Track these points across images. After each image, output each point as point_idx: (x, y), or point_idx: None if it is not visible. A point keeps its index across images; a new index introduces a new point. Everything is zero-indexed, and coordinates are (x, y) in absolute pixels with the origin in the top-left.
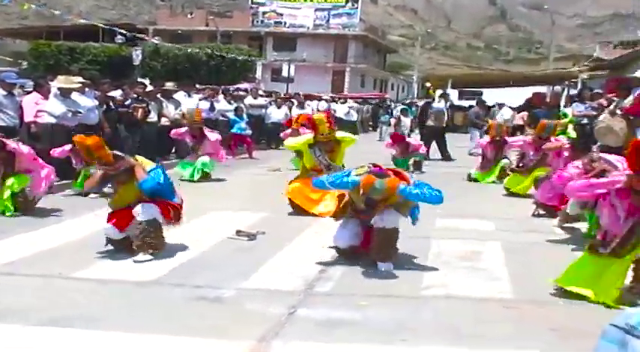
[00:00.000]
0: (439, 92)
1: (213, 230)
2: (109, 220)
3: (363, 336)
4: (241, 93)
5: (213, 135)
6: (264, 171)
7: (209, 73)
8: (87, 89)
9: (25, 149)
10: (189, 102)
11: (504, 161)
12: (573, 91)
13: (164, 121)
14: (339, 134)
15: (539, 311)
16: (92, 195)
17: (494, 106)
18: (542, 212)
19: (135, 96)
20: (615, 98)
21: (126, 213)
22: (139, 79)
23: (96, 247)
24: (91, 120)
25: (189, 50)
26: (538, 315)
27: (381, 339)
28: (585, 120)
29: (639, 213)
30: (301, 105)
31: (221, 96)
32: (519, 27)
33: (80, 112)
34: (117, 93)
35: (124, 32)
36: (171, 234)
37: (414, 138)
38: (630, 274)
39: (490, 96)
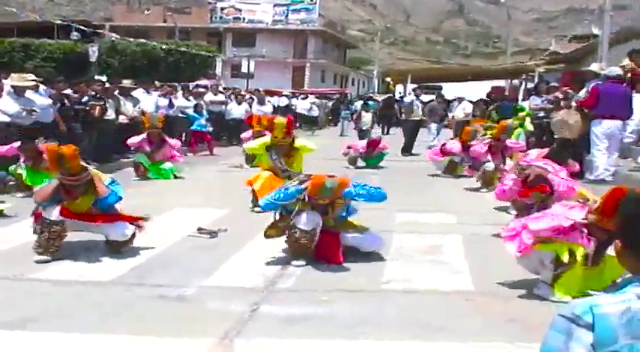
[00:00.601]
0: (399, 87)
1: (173, 228)
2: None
3: (326, 332)
4: (201, 89)
5: (173, 141)
6: (225, 167)
7: (168, 70)
8: (42, 87)
9: None
10: (148, 99)
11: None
12: (531, 85)
13: (122, 119)
14: (298, 142)
15: (499, 304)
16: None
17: (454, 100)
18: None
19: (92, 93)
20: (570, 91)
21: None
22: (96, 77)
23: None
24: (45, 119)
25: (147, 47)
26: (499, 307)
27: (344, 334)
28: (542, 114)
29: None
30: (261, 102)
31: (180, 93)
32: (477, 21)
33: (35, 111)
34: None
35: (82, 27)
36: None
37: (378, 136)
38: None
39: (450, 90)
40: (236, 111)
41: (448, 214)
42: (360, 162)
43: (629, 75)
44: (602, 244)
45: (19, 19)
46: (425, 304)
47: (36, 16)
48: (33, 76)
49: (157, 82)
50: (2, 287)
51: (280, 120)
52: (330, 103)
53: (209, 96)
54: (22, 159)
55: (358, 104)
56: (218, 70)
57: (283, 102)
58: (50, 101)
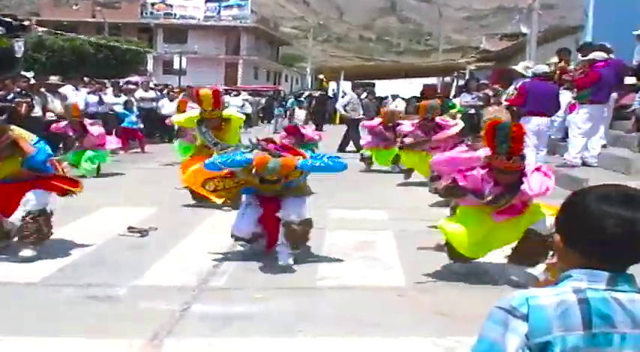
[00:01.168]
0: (332, 84)
1: (104, 227)
2: None
3: (259, 330)
4: (131, 86)
5: (95, 129)
6: (157, 165)
7: (97, 66)
8: None
9: None
10: (77, 96)
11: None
12: (462, 82)
13: (50, 116)
14: (227, 111)
15: (430, 298)
16: None
17: (387, 98)
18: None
19: (18, 90)
20: (500, 88)
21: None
22: (22, 73)
23: None
24: None
25: (75, 42)
26: (430, 301)
27: (278, 332)
28: (472, 111)
29: (500, 187)
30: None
31: (109, 90)
32: (409, 19)
33: None
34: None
35: (9, 20)
36: (60, 232)
37: (310, 129)
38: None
39: (383, 87)
40: (168, 108)
41: (380, 210)
42: None
43: (557, 73)
44: (505, 188)
45: None
46: (358, 300)
47: None
48: None
49: (85, 79)
50: None
51: (207, 91)
52: (263, 100)
53: (140, 93)
54: None
55: (291, 101)
56: (149, 67)
57: None
58: None
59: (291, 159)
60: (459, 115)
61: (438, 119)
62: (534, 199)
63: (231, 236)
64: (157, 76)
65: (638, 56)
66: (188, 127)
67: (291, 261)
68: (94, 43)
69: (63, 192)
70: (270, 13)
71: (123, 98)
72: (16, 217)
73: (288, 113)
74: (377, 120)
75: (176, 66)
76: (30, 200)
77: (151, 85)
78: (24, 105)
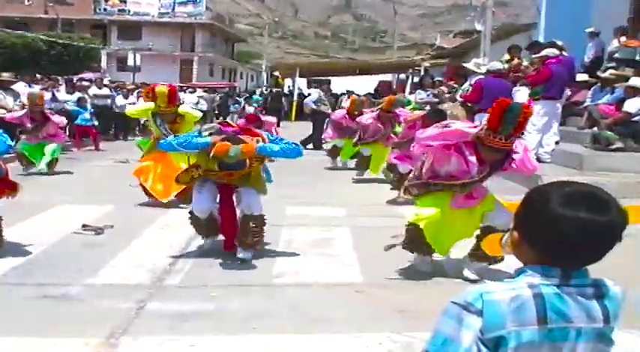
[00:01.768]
0: (287, 81)
1: (57, 225)
2: None
3: (215, 327)
4: (85, 83)
5: (56, 117)
6: (111, 162)
7: (50, 63)
8: None
9: None
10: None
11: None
12: (417, 79)
13: (2, 113)
14: (182, 108)
15: (387, 294)
16: None
17: (342, 94)
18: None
19: None
20: (455, 85)
21: None
22: None
23: None
24: None
25: (27, 39)
26: (387, 298)
27: (233, 329)
28: (428, 107)
29: (484, 165)
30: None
31: (62, 87)
32: (364, 16)
33: None
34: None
35: None
36: (13, 230)
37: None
38: (474, 240)
39: (338, 84)
40: (123, 104)
41: (337, 207)
42: None
43: (511, 70)
44: (490, 166)
45: None
46: (316, 297)
47: None
48: None
49: (38, 75)
50: None
51: (162, 89)
52: (218, 97)
53: (93, 90)
54: None
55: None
56: (103, 63)
57: None
58: None
59: (250, 144)
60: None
61: (397, 110)
62: (489, 192)
63: (189, 214)
64: (111, 73)
65: (590, 53)
66: (142, 117)
67: (249, 255)
68: (46, 41)
69: (1, 192)
70: (225, 10)
71: (76, 95)
72: None
73: (238, 111)
74: (341, 112)
75: (130, 63)
76: None
77: (105, 81)
78: None
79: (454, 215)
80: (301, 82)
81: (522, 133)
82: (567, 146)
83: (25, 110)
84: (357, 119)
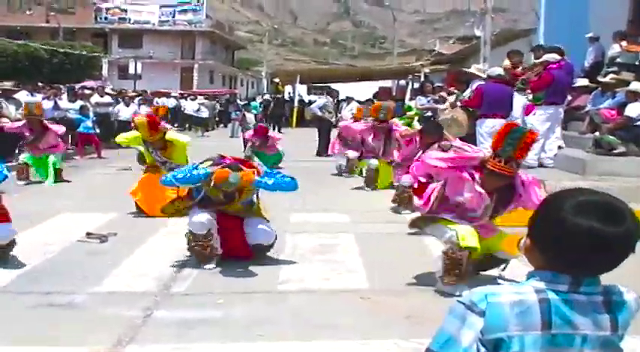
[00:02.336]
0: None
1: (62, 233)
2: None
3: (221, 335)
4: (86, 91)
5: (56, 127)
6: (113, 170)
7: (52, 72)
8: None
9: None
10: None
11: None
12: (417, 85)
13: (4, 122)
14: (170, 135)
15: (394, 300)
16: None
17: (343, 100)
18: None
19: None
20: (456, 91)
21: None
22: None
23: None
24: None
25: (29, 48)
26: (393, 304)
27: (239, 336)
28: (429, 113)
29: (490, 196)
30: (149, 103)
31: (64, 95)
32: (363, 23)
33: None
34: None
35: None
36: (18, 238)
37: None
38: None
39: (338, 90)
40: (124, 113)
41: (342, 214)
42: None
43: (510, 75)
44: (496, 201)
45: None
46: (321, 303)
47: None
48: None
49: (40, 84)
50: None
51: (141, 119)
52: (219, 105)
53: (95, 98)
54: None
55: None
56: (104, 72)
57: (172, 103)
58: None
59: (250, 173)
60: (417, 118)
61: (391, 122)
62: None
63: (186, 234)
64: (113, 81)
65: (590, 58)
66: (133, 146)
67: None
68: (48, 50)
69: None
70: (225, 18)
71: (78, 103)
72: None
73: (239, 118)
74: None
75: (131, 71)
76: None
77: (107, 89)
78: None
79: None
80: (301, 89)
81: (520, 162)
82: (569, 151)
83: (23, 121)
84: (344, 125)
